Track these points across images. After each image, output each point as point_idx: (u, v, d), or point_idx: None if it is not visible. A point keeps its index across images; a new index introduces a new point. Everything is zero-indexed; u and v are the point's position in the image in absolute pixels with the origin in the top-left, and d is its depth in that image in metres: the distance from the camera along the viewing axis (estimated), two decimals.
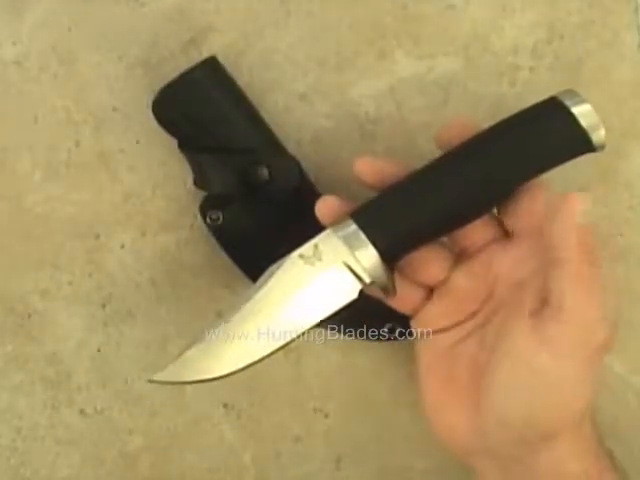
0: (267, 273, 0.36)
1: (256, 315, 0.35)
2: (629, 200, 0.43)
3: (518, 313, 0.35)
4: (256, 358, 0.35)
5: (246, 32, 0.43)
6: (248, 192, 0.40)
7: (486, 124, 0.43)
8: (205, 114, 0.40)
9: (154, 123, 0.40)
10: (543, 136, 0.35)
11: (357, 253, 0.35)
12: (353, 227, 0.35)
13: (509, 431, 0.35)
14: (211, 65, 0.40)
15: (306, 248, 0.36)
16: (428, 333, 0.39)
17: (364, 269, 0.35)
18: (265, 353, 0.35)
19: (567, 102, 0.35)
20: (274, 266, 0.36)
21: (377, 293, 0.36)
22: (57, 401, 0.43)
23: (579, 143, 0.35)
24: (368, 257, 0.35)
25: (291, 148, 0.42)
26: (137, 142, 0.43)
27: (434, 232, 0.36)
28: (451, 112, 0.43)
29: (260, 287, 0.36)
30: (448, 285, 0.38)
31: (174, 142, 0.41)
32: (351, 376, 0.43)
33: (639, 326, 0.44)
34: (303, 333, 0.36)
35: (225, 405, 0.43)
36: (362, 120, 0.43)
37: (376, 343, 0.42)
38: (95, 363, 0.43)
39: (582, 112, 0.35)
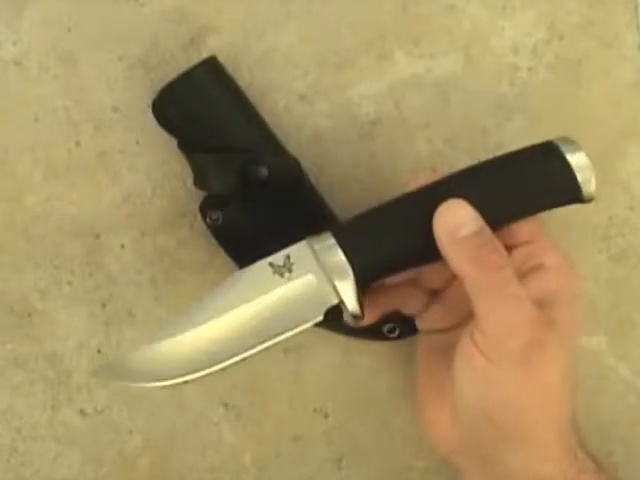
0: (234, 275, 0.34)
1: (207, 320, 0.33)
2: (629, 200, 0.43)
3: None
4: (200, 372, 0.33)
5: (246, 32, 0.43)
6: (248, 192, 0.40)
7: (486, 124, 0.43)
8: (205, 114, 0.40)
9: (154, 123, 0.40)
10: (534, 179, 0.34)
11: (330, 270, 0.33)
12: (331, 242, 0.33)
13: (476, 429, 0.35)
14: (211, 65, 0.40)
15: (277, 257, 0.34)
16: (428, 332, 0.39)
17: (334, 288, 0.33)
18: (209, 367, 0.33)
19: (563, 149, 0.34)
20: (242, 270, 0.34)
21: (344, 317, 0.34)
22: (57, 401, 0.43)
23: (569, 192, 0.34)
24: (341, 276, 0.33)
25: (291, 148, 0.42)
26: (137, 142, 0.43)
27: (415, 260, 0.35)
28: (451, 112, 0.43)
29: (220, 289, 0.34)
30: (449, 291, 0.38)
31: (174, 142, 0.41)
32: (351, 376, 0.43)
33: None
34: (256, 350, 0.33)
35: (225, 405, 0.43)
36: (362, 120, 0.43)
37: (376, 343, 0.42)
38: (95, 363, 0.43)
39: (577, 162, 0.34)
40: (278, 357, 0.43)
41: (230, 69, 0.41)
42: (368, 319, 0.37)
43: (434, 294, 0.39)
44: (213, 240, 0.41)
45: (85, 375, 0.43)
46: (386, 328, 0.41)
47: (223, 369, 0.33)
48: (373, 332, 0.42)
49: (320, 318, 0.34)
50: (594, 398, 0.43)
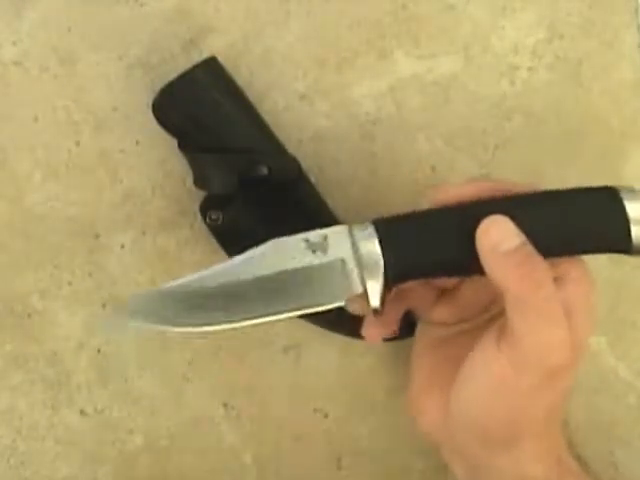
0: (269, 243, 0.34)
1: (230, 278, 0.33)
2: None
3: (496, 323, 0.35)
4: (212, 326, 0.33)
5: (246, 32, 0.43)
6: (248, 192, 0.40)
7: (486, 124, 0.43)
8: (205, 114, 0.40)
9: (154, 123, 0.40)
10: (585, 219, 0.34)
11: (362, 259, 0.33)
12: (370, 232, 0.34)
13: (469, 430, 0.36)
14: (211, 65, 0.40)
15: (315, 235, 0.34)
16: (429, 322, 0.40)
17: (362, 278, 0.33)
18: (220, 325, 0.33)
19: (624, 196, 0.33)
20: (278, 240, 0.34)
21: (362, 308, 0.35)
22: (57, 401, 0.43)
23: (618, 241, 0.34)
24: (372, 267, 0.33)
25: (291, 148, 0.42)
26: (137, 142, 0.43)
27: (447, 271, 0.35)
28: (451, 112, 0.43)
29: (252, 253, 0.34)
30: (456, 292, 0.38)
31: (174, 142, 0.41)
32: (351, 376, 0.43)
33: None
34: (270, 319, 0.33)
35: (225, 405, 0.43)
36: (362, 120, 0.43)
37: (376, 343, 0.42)
38: (95, 363, 0.43)
39: (635, 213, 0.33)
40: (278, 357, 0.43)
41: (230, 69, 0.41)
42: (387, 328, 0.37)
43: (442, 291, 0.39)
44: (213, 240, 0.41)
45: (85, 375, 0.43)
46: None
47: (234, 329, 0.33)
48: None
49: (341, 303, 0.34)
50: (594, 398, 0.43)
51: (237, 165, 0.40)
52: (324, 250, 0.34)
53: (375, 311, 0.34)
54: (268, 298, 0.33)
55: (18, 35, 0.42)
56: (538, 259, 0.33)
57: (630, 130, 0.44)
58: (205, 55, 0.41)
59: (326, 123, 0.43)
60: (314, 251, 0.34)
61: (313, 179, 0.42)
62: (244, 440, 0.43)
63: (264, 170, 0.40)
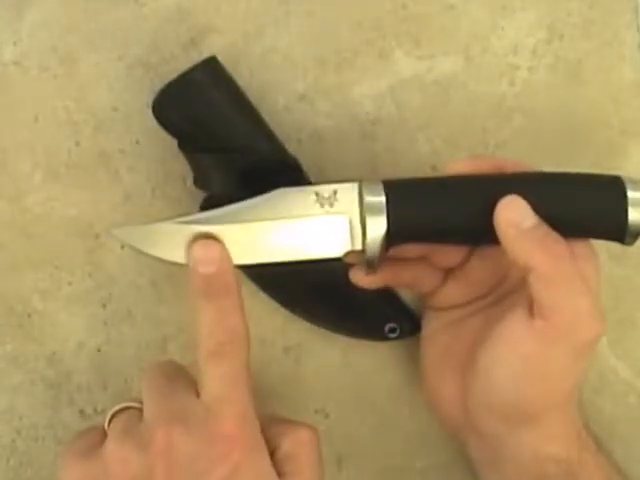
0: (279, 191, 0.35)
1: (237, 221, 0.34)
2: None
3: (519, 301, 0.35)
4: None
5: (246, 32, 0.43)
6: (248, 192, 0.40)
7: (486, 124, 0.43)
8: (205, 114, 0.40)
9: (154, 123, 0.40)
10: (588, 203, 0.35)
11: (368, 218, 0.34)
12: (379, 187, 0.34)
13: (493, 409, 0.36)
14: (211, 65, 0.40)
15: (325, 189, 0.35)
16: (438, 308, 0.40)
17: (364, 235, 0.34)
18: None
19: (628, 185, 0.34)
20: (288, 189, 0.35)
21: (361, 263, 0.36)
22: (57, 401, 0.43)
23: (615, 226, 0.34)
24: (376, 226, 0.34)
25: (291, 148, 0.42)
26: (137, 142, 0.43)
27: (449, 236, 0.36)
28: (451, 112, 0.43)
29: (262, 199, 0.35)
30: (464, 269, 0.39)
31: (174, 142, 0.41)
32: (351, 376, 0.43)
33: None
34: (270, 261, 0.35)
35: None
36: (362, 120, 0.43)
37: (376, 343, 0.42)
38: (95, 363, 0.43)
39: (635, 199, 0.34)
40: (278, 356, 0.43)
41: (230, 69, 0.41)
42: (380, 280, 0.38)
43: (448, 272, 0.39)
44: None
45: (85, 375, 0.43)
46: (387, 328, 0.42)
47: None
48: (374, 332, 0.42)
49: (339, 255, 0.35)
50: (594, 398, 0.43)
51: (237, 165, 0.40)
52: (331, 204, 0.35)
53: (370, 265, 0.35)
54: (270, 245, 0.34)
55: (18, 35, 0.42)
56: (555, 235, 0.34)
57: (630, 129, 0.44)
58: (205, 55, 0.41)
59: (326, 123, 0.43)
60: (322, 205, 0.35)
61: (313, 179, 0.42)
62: None
63: (264, 170, 0.40)
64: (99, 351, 0.43)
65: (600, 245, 0.36)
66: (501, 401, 0.35)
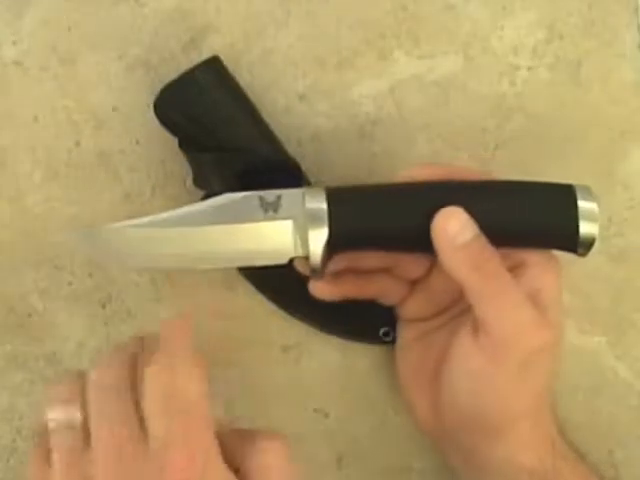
0: (224, 197, 0.35)
1: (183, 225, 0.34)
2: (628, 200, 0.43)
3: (470, 317, 0.35)
4: (162, 267, 0.35)
5: (246, 32, 0.43)
6: (248, 192, 0.40)
7: (486, 124, 0.43)
8: (206, 114, 0.40)
9: (154, 123, 0.40)
10: (538, 212, 0.34)
11: (310, 224, 0.34)
12: (322, 194, 0.34)
13: (462, 422, 0.36)
14: (213, 65, 0.40)
15: (270, 194, 0.35)
16: (409, 320, 0.40)
17: (307, 242, 0.34)
18: (171, 266, 0.35)
19: (579, 194, 0.34)
20: (233, 194, 0.35)
21: (305, 269, 0.36)
22: None
23: (567, 236, 0.34)
24: (318, 232, 0.34)
25: (291, 148, 0.42)
26: (137, 142, 0.43)
27: (391, 244, 0.36)
28: (451, 112, 0.43)
29: (208, 204, 0.35)
30: (427, 281, 0.38)
31: (174, 142, 0.41)
32: (351, 376, 0.43)
33: None
34: (216, 266, 0.35)
35: (225, 405, 0.43)
36: (362, 120, 0.43)
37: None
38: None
39: (586, 210, 0.34)
40: (278, 357, 0.43)
41: (230, 69, 0.41)
42: (343, 292, 0.37)
43: (413, 284, 0.39)
44: None
45: None
46: (382, 332, 0.42)
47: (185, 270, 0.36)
48: (369, 335, 0.42)
49: (284, 262, 0.35)
50: (594, 398, 0.43)
51: (237, 165, 0.40)
52: (275, 210, 0.35)
53: (314, 272, 0.35)
54: (215, 250, 0.34)
55: (18, 35, 0.42)
56: (490, 250, 0.33)
57: (630, 130, 0.43)
58: (205, 55, 0.41)
59: (326, 123, 0.43)
60: (266, 210, 0.35)
61: (313, 179, 0.42)
62: None
63: (264, 170, 0.40)
64: (99, 351, 0.43)
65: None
66: (465, 415, 0.36)
